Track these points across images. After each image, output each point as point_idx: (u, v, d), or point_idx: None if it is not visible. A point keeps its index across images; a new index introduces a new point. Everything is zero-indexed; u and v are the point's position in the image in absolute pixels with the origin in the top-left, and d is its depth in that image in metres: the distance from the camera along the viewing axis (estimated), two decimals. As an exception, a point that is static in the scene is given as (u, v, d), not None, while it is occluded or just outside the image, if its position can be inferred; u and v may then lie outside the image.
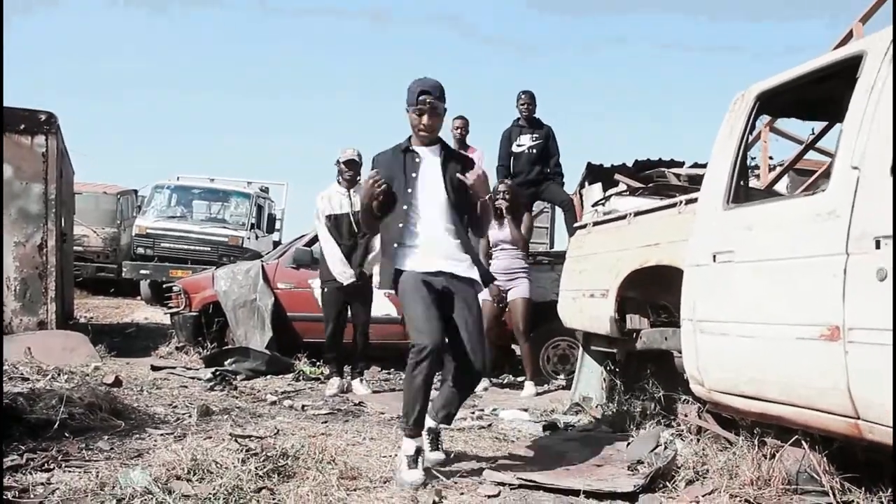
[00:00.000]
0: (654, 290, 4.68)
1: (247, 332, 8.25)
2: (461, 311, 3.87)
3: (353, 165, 6.74)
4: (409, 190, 3.90)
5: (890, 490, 2.91)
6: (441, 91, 3.93)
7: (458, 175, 3.88)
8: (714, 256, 3.46)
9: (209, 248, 15.24)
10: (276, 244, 17.96)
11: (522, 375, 7.30)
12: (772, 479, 3.21)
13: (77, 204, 14.98)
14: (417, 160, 3.96)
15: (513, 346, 7.91)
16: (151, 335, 10.35)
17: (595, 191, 14.05)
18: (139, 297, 16.11)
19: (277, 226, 18.58)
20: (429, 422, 3.95)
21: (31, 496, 3.02)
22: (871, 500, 2.92)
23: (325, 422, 5.06)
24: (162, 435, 4.25)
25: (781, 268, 3.04)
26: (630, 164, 14.47)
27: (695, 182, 13.04)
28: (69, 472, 3.42)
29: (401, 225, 3.89)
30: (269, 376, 7.42)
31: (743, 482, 3.27)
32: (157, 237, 15.28)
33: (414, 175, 3.92)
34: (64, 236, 9.08)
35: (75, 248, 15.72)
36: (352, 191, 6.70)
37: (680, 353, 4.30)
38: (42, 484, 3.22)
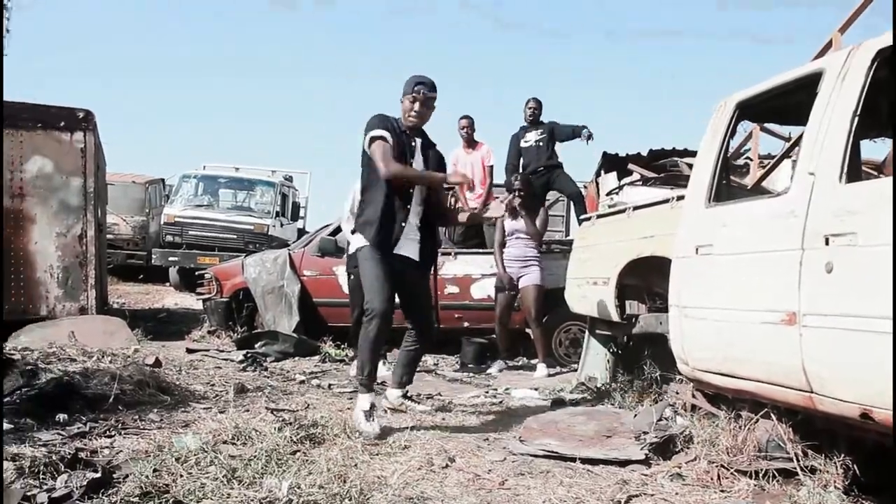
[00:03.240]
0: (650, 278, 5.09)
1: (275, 317, 8.74)
2: (414, 289, 4.70)
3: None
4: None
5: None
6: (434, 87, 4.52)
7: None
8: (696, 249, 3.87)
9: (235, 236, 15.66)
10: (301, 231, 18.45)
11: (536, 357, 7.74)
12: (745, 447, 3.63)
13: (108, 193, 15.53)
14: (414, 145, 4.60)
15: (527, 330, 8.35)
16: (183, 320, 10.88)
17: (610, 180, 14.40)
18: (168, 284, 16.61)
19: (301, 213, 19.05)
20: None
21: (100, 456, 3.51)
22: (829, 464, 3.33)
23: (351, 398, 5.52)
24: (205, 408, 4.74)
25: (750, 260, 3.46)
26: (644, 154, 14.80)
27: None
28: (128, 438, 3.92)
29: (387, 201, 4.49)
30: (296, 358, 7.90)
31: (720, 450, 3.70)
32: (185, 225, 15.71)
33: (412, 161, 4.58)
34: (100, 226, 9.60)
35: (107, 236, 16.32)
36: None
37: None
38: (107, 448, 3.71)
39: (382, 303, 4.37)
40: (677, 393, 4.86)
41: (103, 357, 7.03)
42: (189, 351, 7.94)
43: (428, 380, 6.95)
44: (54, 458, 3.24)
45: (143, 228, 18.19)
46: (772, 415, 3.58)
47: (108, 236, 16.47)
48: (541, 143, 8.69)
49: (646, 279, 5.15)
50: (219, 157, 32.66)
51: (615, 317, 5.19)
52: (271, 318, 8.74)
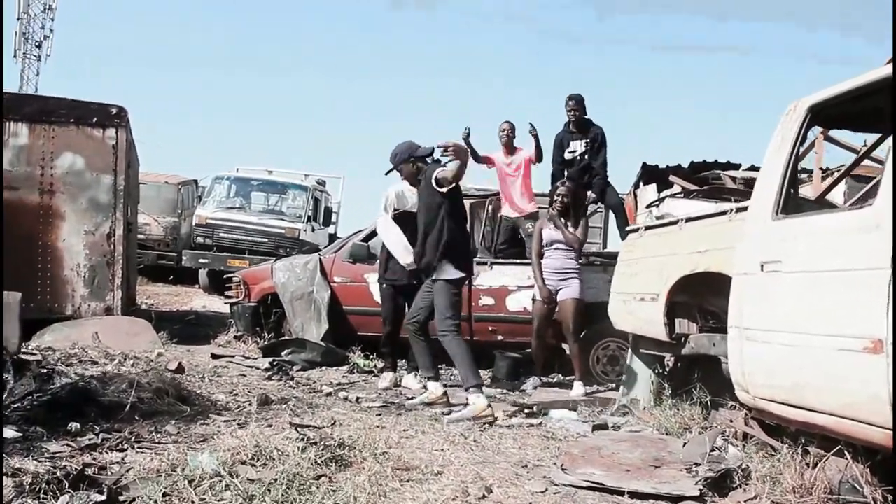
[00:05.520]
0: (703, 296, 4.75)
1: (303, 324, 8.48)
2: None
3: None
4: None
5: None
6: (394, 158, 6.03)
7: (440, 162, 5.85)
8: (762, 266, 3.53)
9: (266, 240, 15.54)
10: (332, 237, 18.25)
11: (572, 374, 7.40)
12: (814, 488, 3.27)
13: (140, 191, 15.47)
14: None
15: (563, 346, 7.99)
16: (210, 323, 10.69)
17: (650, 191, 14.02)
18: (197, 286, 16.48)
19: (333, 218, 18.86)
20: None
21: (109, 473, 3.25)
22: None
23: (379, 414, 5.24)
24: (225, 421, 4.47)
25: (827, 280, 3.11)
26: (685, 165, 14.40)
27: (750, 185, 12.92)
28: (141, 452, 3.66)
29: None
30: (324, 367, 7.66)
31: (785, 489, 3.34)
32: (217, 227, 15.61)
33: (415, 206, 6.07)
34: (130, 225, 9.43)
35: (138, 235, 16.26)
36: None
37: (727, 359, 4.39)
38: (117, 463, 3.45)
39: None
40: (731, 421, 4.52)
41: (125, 360, 6.85)
42: (214, 356, 7.72)
43: (460, 395, 6.63)
44: (59, 473, 2.99)
45: (174, 229, 18.13)
46: (846, 452, 3.23)
47: (140, 236, 16.48)
48: (585, 157, 8.36)
49: (697, 296, 4.81)
50: (254, 159, 32.67)
51: (664, 336, 4.85)
52: (299, 325, 8.48)
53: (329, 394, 6.08)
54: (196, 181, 19.65)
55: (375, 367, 7.78)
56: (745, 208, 4.15)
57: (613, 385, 7.52)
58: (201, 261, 15.55)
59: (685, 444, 4.33)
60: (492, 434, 4.71)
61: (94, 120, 8.44)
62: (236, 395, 5.57)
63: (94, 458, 3.48)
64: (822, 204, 4.84)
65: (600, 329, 7.33)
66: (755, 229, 3.73)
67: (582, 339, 7.32)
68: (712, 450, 4.15)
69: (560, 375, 7.99)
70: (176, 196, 18.48)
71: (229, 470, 3.26)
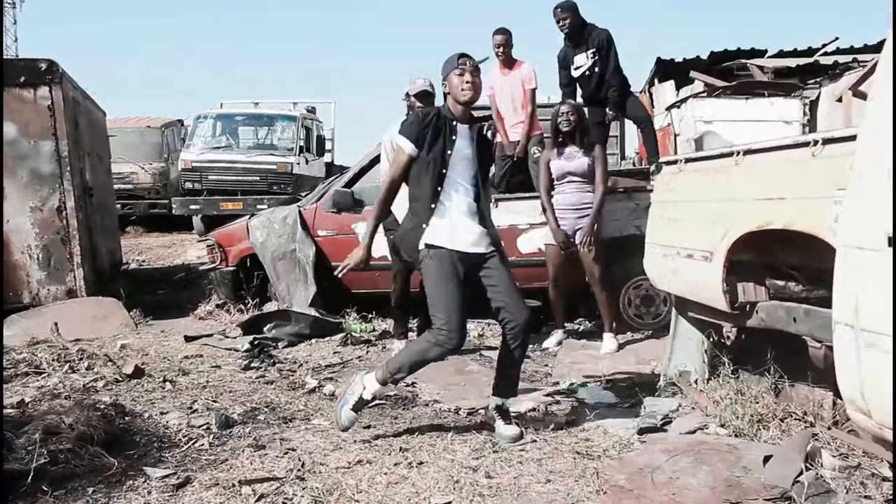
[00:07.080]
0: (773, 252, 3.60)
1: (289, 287, 7.41)
2: (494, 277, 3.93)
3: (426, 98, 5.71)
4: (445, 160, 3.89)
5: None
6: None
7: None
8: (889, 240, 2.34)
9: (258, 178, 14.54)
10: (329, 166, 17.12)
11: (599, 320, 6.35)
12: None
13: (121, 139, 14.43)
14: (454, 137, 3.92)
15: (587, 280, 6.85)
16: (199, 283, 9.79)
17: (666, 89, 12.68)
18: (194, 231, 15.53)
19: (328, 146, 17.67)
20: (495, 400, 4.01)
21: None
22: None
23: (368, 426, 4.17)
24: (162, 478, 3.41)
25: None
26: (705, 57, 13.04)
27: (781, 75, 11.59)
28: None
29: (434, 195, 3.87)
30: (313, 340, 6.63)
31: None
32: (204, 170, 14.62)
33: (451, 147, 3.89)
34: (90, 190, 8.33)
35: (125, 186, 15.34)
36: None
37: (817, 341, 3.27)
38: None
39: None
40: (816, 405, 3.46)
41: (79, 362, 5.86)
42: (188, 339, 6.68)
43: (471, 370, 5.60)
44: None
45: (163, 175, 17.19)
46: None
47: (128, 186, 15.70)
48: (595, 70, 7.08)
49: (764, 252, 3.65)
50: (241, 93, 31.25)
51: (723, 305, 3.71)
52: (285, 289, 7.41)
53: (313, 390, 5.03)
54: (181, 121, 18.49)
55: (373, 330, 6.81)
56: (836, 140, 2.95)
57: (649, 331, 6.50)
58: (192, 207, 14.65)
59: (766, 458, 3.25)
60: (509, 457, 3.62)
61: (22, 80, 7.28)
62: (195, 411, 4.52)
63: None
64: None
65: (628, 267, 6.23)
66: (872, 185, 2.50)
67: (608, 282, 6.21)
68: (807, 466, 3.09)
69: (587, 322, 6.93)
70: (160, 140, 17.45)
71: None
